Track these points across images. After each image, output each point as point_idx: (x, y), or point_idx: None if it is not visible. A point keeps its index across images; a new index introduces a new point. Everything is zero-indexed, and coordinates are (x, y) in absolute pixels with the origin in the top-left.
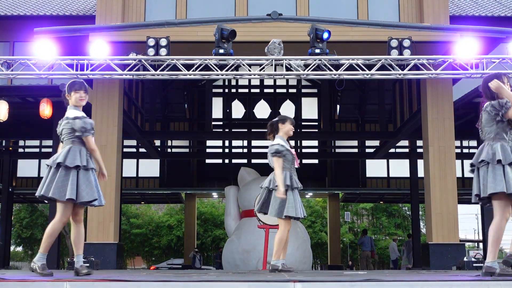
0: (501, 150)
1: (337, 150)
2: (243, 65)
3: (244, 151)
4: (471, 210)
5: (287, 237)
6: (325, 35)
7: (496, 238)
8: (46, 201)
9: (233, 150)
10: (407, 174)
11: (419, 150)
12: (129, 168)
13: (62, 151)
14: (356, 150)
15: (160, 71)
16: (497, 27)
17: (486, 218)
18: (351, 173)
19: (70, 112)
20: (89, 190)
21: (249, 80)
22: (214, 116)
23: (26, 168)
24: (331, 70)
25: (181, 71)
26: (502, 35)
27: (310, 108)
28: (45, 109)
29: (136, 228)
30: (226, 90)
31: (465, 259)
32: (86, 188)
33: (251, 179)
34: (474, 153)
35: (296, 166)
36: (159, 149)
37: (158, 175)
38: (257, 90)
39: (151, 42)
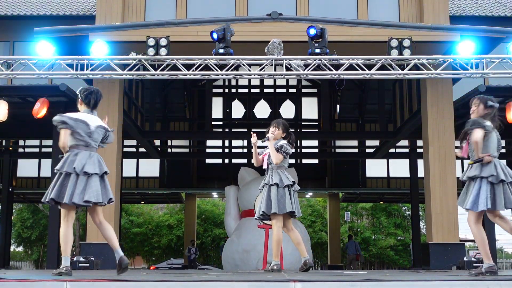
0: None
1: (337, 150)
2: (243, 65)
3: (244, 151)
4: None
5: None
6: (311, 31)
7: None
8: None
9: (233, 150)
10: (407, 174)
11: (419, 150)
12: (129, 168)
13: (99, 159)
14: (356, 150)
15: (160, 71)
16: (497, 27)
17: (486, 218)
18: (351, 173)
19: (100, 120)
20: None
21: (249, 80)
22: (214, 116)
23: (26, 168)
24: (331, 70)
25: (181, 71)
26: (502, 35)
27: (310, 108)
28: (40, 110)
29: (137, 227)
30: (226, 90)
31: (465, 259)
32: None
33: (251, 179)
34: None
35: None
36: (159, 149)
37: (158, 175)
38: (257, 90)
39: (151, 42)
